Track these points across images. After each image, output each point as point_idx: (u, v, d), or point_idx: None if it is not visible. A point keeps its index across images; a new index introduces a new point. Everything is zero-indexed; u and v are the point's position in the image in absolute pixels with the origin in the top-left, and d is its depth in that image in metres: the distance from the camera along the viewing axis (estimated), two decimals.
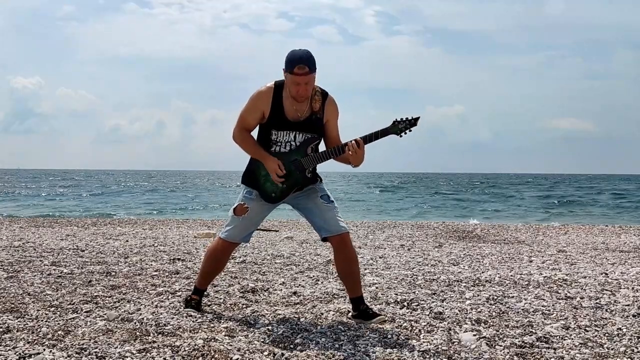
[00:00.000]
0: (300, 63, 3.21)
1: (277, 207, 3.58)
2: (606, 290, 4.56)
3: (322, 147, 3.50)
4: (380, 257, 6.37)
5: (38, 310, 3.61)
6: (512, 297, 4.25)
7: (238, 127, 3.45)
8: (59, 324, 3.30)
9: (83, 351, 2.82)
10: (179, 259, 5.98)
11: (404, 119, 3.32)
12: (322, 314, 3.67)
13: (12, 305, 3.73)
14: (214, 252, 3.63)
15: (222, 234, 3.57)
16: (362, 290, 3.61)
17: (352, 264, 3.50)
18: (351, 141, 3.28)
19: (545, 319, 3.62)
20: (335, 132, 3.49)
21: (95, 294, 4.16)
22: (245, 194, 3.51)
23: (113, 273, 5.06)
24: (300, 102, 3.36)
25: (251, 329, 3.28)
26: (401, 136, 3.34)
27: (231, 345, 2.96)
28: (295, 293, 4.29)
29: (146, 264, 5.65)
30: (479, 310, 3.82)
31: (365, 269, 5.45)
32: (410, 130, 3.34)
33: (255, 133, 3.50)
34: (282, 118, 3.36)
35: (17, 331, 3.14)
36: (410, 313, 3.71)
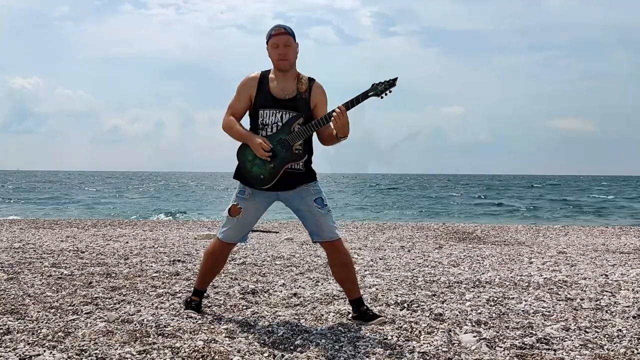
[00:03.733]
0: (277, 27, 3.36)
1: (271, 205, 3.56)
2: (606, 291, 4.56)
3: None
4: (380, 259, 6.37)
5: (38, 312, 3.61)
6: (512, 298, 4.25)
7: (226, 115, 3.49)
8: (59, 325, 3.30)
9: (83, 352, 2.82)
10: (179, 261, 5.98)
11: (383, 81, 3.30)
12: (322, 315, 3.67)
13: (13, 307, 3.73)
14: (212, 253, 3.64)
15: (219, 235, 3.58)
16: (360, 291, 3.61)
17: (347, 268, 3.51)
18: (334, 110, 3.28)
19: (545, 320, 3.62)
20: (322, 113, 3.43)
21: (96, 295, 4.16)
22: (237, 194, 3.50)
23: (113, 274, 5.06)
24: (284, 72, 3.40)
25: (251, 331, 3.28)
26: (382, 97, 3.31)
27: (231, 347, 2.96)
28: (295, 294, 4.29)
29: (146, 265, 5.65)
30: (479, 311, 3.82)
31: (366, 270, 5.45)
32: (390, 92, 3.31)
33: (246, 125, 3.47)
34: (268, 96, 3.39)
35: (18, 332, 3.14)
36: (411, 314, 3.71)
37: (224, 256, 3.66)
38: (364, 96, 3.31)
